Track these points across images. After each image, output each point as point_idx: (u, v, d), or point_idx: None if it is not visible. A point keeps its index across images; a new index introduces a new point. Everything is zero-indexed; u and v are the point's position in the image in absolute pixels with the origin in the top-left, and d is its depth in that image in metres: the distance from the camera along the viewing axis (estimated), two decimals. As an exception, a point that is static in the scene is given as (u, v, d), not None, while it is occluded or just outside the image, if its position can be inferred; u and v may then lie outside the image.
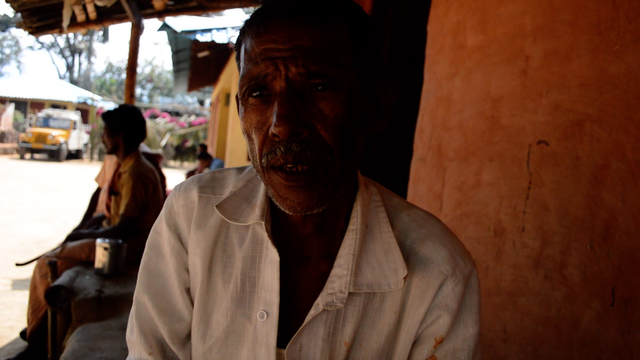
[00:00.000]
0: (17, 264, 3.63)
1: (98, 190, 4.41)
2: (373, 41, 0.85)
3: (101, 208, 4.15)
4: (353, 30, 0.80)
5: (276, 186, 0.79)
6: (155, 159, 3.86)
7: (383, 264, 0.87)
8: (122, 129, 3.47)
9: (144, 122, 3.61)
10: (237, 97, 0.95)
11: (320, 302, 0.85)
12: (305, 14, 0.77)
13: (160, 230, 0.99)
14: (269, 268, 0.88)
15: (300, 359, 0.87)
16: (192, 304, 0.98)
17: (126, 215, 3.38)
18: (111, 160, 4.16)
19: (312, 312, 0.85)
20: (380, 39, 0.88)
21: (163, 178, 3.89)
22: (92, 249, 3.28)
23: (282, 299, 0.87)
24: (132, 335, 0.98)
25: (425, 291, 0.88)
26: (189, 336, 0.97)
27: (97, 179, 4.50)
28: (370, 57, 0.84)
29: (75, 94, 34.38)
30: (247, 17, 0.83)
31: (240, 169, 1.00)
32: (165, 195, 3.80)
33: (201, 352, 0.94)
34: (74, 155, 26.03)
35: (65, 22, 4.93)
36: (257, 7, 0.81)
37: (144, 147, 4.02)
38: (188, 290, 0.98)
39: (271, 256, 0.88)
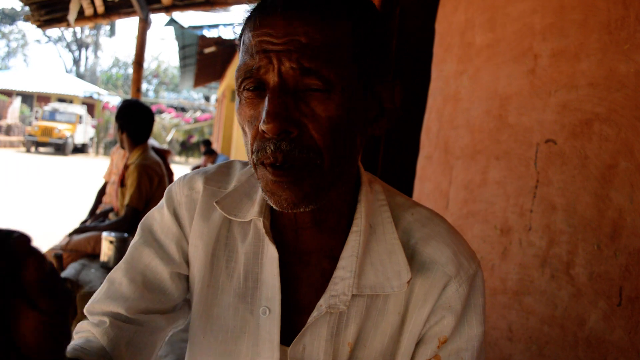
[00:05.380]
0: None
1: (104, 186, 4.43)
2: (380, 39, 0.82)
3: (108, 200, 4.17)
4: (356, 26, 0.77)
5: (265, 181, 0.78)
6: (163, 154, 3.88)
7: (387, 266, 0.86)
8: (128, 125, 3.51)
9: (148, 115, 3.62)
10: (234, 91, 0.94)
11: (323, 304, 0.84)
12: (303, 9, 0.75)
13: (156, 216, 0.98)
14: (269, 264, 0.87)
15: (304, 359, 0.86)
16: (187, 289, 0.97)
17: (130, 206, 3.39)
18: (119, 154, 4.18)
19: (315, 314, 0.84)
20: (389, 37, 0.85)
21: (171, 173, 3.90)
22: (97, 242, 3.30)
23: (284, 296, 0.87)
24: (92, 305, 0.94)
25: (428, 292, 0.87)
26: (167, 311, 0.95)
27: (105, 176, 4.52)
28: (375, 55, 0.81)
29: (82, 88, 34.45)
30: (248, 11, 0.82)
31: (245, 163, 0.99)
32: (172, 190, 3.81)
33: (200, 346, 0.93)
34: (80, 149, 26.12)
35: (72, 16, 4.94)
36: (256, 1, 0.80)
37: (152, 141, 4.04)
38: (179, 275, 0.96)
39: (271, 253, 0.87)
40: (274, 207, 0.79)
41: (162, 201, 0.98)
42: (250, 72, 0.76)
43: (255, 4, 0.80)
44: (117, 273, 0.95)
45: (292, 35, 0.73)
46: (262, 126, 0.73)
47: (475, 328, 0.88)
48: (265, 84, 0.76)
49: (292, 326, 0.88)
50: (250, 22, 0.78)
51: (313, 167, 0.76)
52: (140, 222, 0.99)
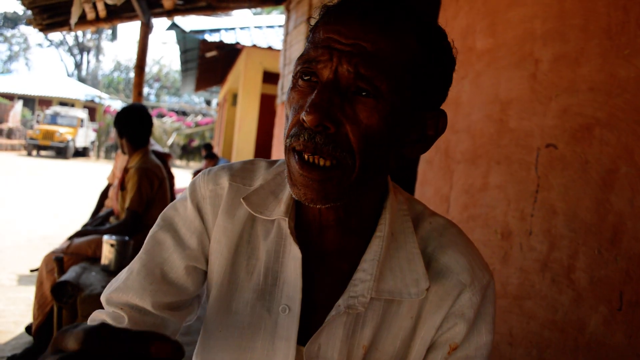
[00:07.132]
0: (32, 270, 3.68)
1: (107, 187, 4.44)
2: (443, 70, 0.84)
3: (110, 204, 4.17)
4: (424, 52, 0.79)
5: (292, 169, 0.81)
6: (164, 158, 3.89)
7: (405, 273, 0.88)
8: (126, 130, 3.55)
9: (145, 118, 3.63)
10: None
11: (341, 304, 0.86)
12: (378, 19, 0.77)
13: (178, 208, 0.98)
14: (291, 264, 0.89)
15: (319, 358, 0.88)
16: (202, 283, 0.99)
17: (131, 209, 3.40)
18: (123, 158, 4.20)
19: (333, 313, 0.86)
20: (451, 70, 0.86)
21: (171, 177, 3.91)
22: (98, 245, 3.30)
23: (302, 295, 0.88)
24: (110, 292, 0.96)
25: (443, 299, 0.89)
26: (182, 306, 0.97)
27: (108, 178, 4.54)
28: (434, 83, 0.83)
29: (83, 91, 34.51)
30: (329, 5, 0.85)
31: (271, 162, 1.00)
32: (172, 193, 3.83)
33: (215, 341, 0.94)
34: (81, 152, 26.15)
35: (73, 20, 4.94)
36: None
37: (154, 145, 4.05)
38: (196, 269, 0.97)
39: (294, 253, 0.88)
40: (295, 196, 0.82)
41: (186, 194, 0.99)
42: (308, 62, 0.79)
43: (337, 1, 0.83)
44: (137, 264, 0.96)
45: (359, 40, 0.76)
46: (303, 115, 0.76)
47: (485, 336, 0.91)
48: (318, 77, 0.79)
49: (307, 325, 0.89)
50: (326, 17, 0.81)
51: (344, 167, 0.78)
52: (162, 213, 1.00)
